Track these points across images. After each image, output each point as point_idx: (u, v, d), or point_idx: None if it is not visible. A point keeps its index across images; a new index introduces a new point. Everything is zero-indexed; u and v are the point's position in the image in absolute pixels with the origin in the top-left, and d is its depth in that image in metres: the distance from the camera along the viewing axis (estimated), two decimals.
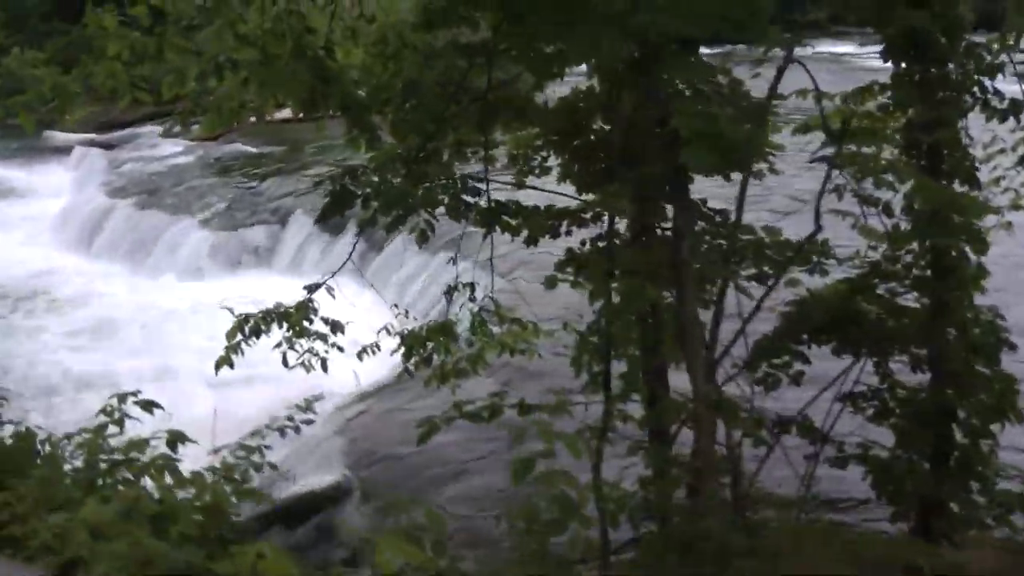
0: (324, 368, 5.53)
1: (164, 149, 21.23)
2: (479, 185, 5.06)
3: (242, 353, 5.33)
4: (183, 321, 12.57)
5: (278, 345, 5.32)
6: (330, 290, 5.42)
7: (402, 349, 5.44)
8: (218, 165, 19.17)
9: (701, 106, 3.40)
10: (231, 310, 5.61)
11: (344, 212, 5.12)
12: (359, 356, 5.83)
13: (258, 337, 5.22)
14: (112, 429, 4.66)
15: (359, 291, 13.62)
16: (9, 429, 5.05)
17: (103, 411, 4.77)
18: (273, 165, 18.56)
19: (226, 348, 5.26)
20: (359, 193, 5.03)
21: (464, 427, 7.16)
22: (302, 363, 5.55)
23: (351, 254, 5.66)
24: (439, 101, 4.96)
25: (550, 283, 5.75)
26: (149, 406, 4.80)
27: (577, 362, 4.36)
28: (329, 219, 5.21)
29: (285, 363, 5.40)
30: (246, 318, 5.18)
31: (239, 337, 5.18)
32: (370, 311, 12.58)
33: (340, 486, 7.31)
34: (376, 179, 4.98)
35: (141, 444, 4.42)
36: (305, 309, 5.31)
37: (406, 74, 5.46)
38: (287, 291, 14.33)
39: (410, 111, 5.34)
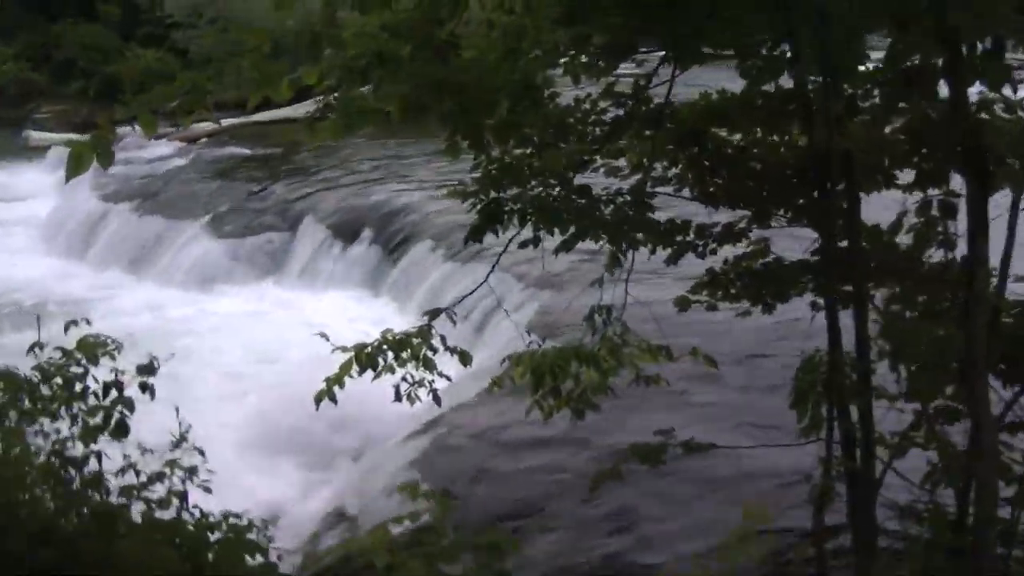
0: (437, 401, 4.91)
1: (153, 150, 20.42)
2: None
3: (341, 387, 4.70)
4: (200, 335, 11.91)
5: (397, 378, 4.67)
6: (452, 316, 4.76)
7: (524, 377, 4.85)
8: (215, 167, 18.40)
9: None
10: (325, 336, 5.00)
11: (496, 230, 4.54)
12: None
13: (374, 369, 4.58)
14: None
15: (370, 304, 13.18)
16: None
17: None
18: (274, 168, 17.86)
19: (329, 380, 4.62)
20: (515, 208, 4.45)
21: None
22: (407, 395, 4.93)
23: (486, 277, 4.96)
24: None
25: (682, 304, 5.24)
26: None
27: (802, 404, 3.79)
28: (479, 238, 4.58)
29: (398, 397, 4.77)
30: (363, 348, 4.51)
31: (353, 369, 4.54)
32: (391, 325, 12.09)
33: None
34: (533, 193, 4.43)
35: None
36: (426, 336, 4.66)
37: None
38: (303, 302, 13.77)
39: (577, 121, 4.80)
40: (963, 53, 3.19)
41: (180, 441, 4.59)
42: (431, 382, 4.80)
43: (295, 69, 3.71)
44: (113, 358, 4.54)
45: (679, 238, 4.93)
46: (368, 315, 12.60)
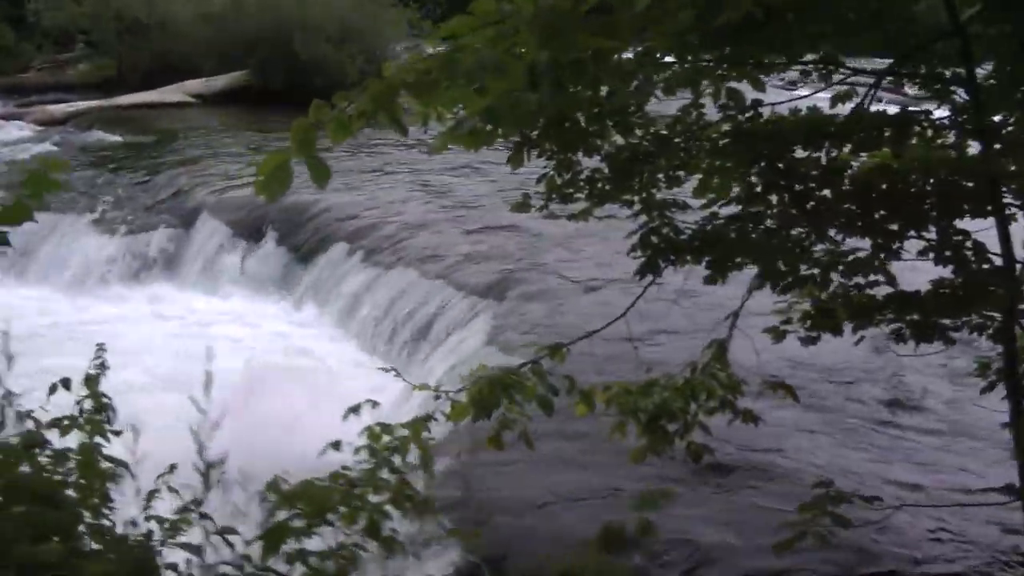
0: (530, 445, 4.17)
1: (8, 133, 18.74)
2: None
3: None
4: (88, 342, 10.65)
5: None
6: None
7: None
8: (88, 155, 16.90)
9: None
10: (396, 372, 4.23)
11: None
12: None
13: (489, 413, 3.80)
14: None
15: (283, 310, 12.18)
16: None
17: None
18: (153, 157, 16.54)
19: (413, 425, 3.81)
20: (694, 243, 3.77)
21: None
22: None
23: (634, 302, 4.24)
24: None
25: (776, 335, 4.70)
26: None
27: None
28: (653, 272, 3.87)
29: (498, 444, 4.01)
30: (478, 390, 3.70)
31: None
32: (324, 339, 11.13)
33: None
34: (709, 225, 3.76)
35: None
36: (543, 375, 3.90)
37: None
38: (203, 305, 12.64)
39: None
40: None
41: None
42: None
43: None
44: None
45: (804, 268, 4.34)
46: (280, 321, 11.68)
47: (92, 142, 18.24)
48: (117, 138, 18.53)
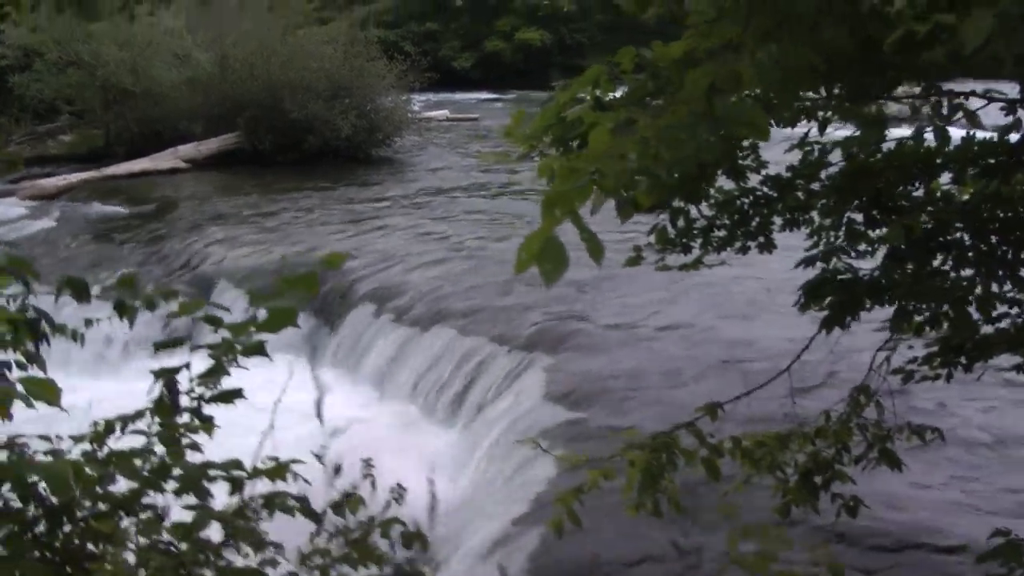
0: None
1: (6, 211, 18.48)
2: None
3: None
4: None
5: None
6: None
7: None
8: (89, 228, 16.66)
9: None
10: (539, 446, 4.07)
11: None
12: None
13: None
14: None
15: (310, 374, 11.95)
16: None
17: None
18: (155, 226, 16.33)
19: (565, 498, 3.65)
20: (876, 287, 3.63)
21: None
22: None
23: (800, 354, 4.12)
24: None
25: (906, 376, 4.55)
26: None
27: None
28: (837, 326, 3.73)
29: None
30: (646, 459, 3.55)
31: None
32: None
33: None
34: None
35: None
36: (704, 438, 3.75)
37: None
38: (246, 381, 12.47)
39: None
40: None
41: None
42: None
43: None
44: None
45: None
46: (309, 387, 11.44)
47: (91, 214, 17.96)
48: (117, 209, 18.28)
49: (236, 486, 2.40)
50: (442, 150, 25.11)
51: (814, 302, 3.92)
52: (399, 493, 2.53)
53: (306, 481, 2.50)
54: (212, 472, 2.38)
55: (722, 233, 4.54)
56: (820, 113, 4.27)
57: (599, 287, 11.00)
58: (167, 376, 2.41)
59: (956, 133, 3.89)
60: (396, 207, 17.23)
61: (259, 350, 2.28)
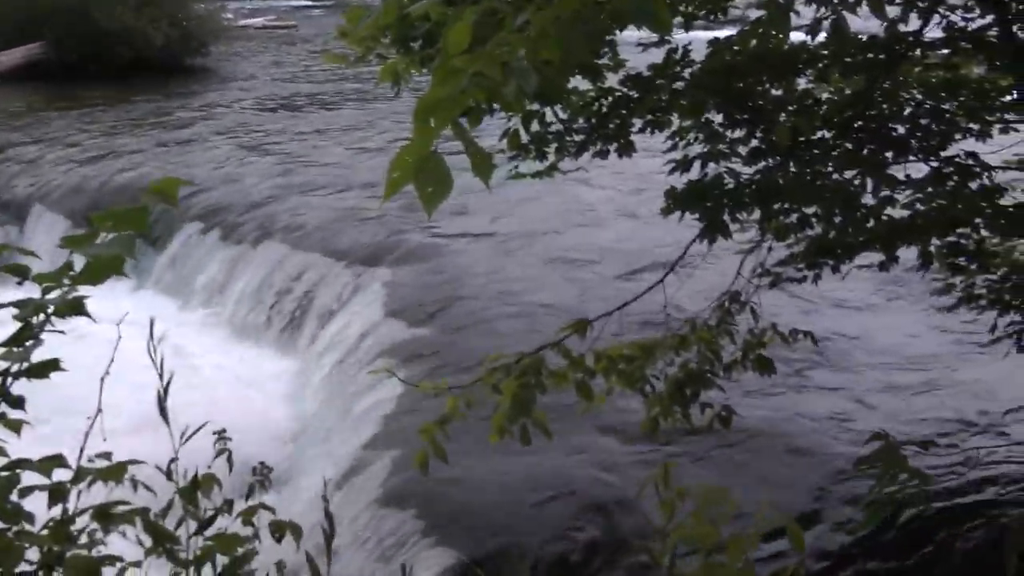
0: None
1: None
2: None
3: None
4: None
5: None
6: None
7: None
8: None
9: None
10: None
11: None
12: None
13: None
14: None
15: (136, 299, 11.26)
16: None
17: None
18: None
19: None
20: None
21: None
22: None
23: (675, 264, 3.85)
24: None
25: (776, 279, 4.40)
26: None
27: None
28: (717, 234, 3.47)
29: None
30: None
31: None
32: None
33: None
34: None
35: None
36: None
37: None
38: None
39: None
40: None
41: None
42: None
43: None
44: None
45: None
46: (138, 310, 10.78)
47: None
48: None
49: (56, 496, 1.94)
50: (259, 58, 24.04)
51: (689, 208, 3.68)
52: (264, 474, 2.16)
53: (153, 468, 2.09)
54: (24, 477, 1.90)
55: (579, 137, 4.25)
56: (686, 7, 4.03)
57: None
58: None
59: None
60: (215, 119, 16.39)
61: (78, 308, 1.85)
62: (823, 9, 3.33)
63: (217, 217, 11.29)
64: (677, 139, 4.12)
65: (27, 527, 1.86)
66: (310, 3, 41.49)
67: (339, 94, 18.05)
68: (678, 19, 3.93)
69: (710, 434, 3.98)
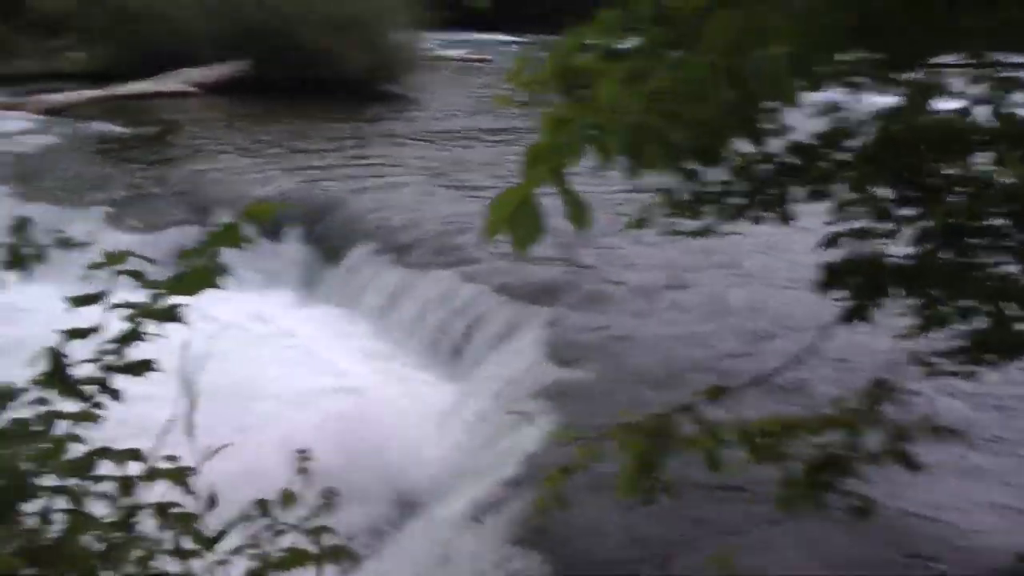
0: None
1: (10, 124, 18.13)
2: None
3: None
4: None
5: None
6: None
7: None
8: (92, 146, 16.34)
9: None
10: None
11: None
12: None
13: None
14: None
15: (306, 309, 11.67)
16: None
17: None
18: (158, 148, 15.99)
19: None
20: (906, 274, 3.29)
21: None
22: None
23: (817, 342, 3.81)
24: None
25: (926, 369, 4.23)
26: None
27: None
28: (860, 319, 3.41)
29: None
30: None
31: None
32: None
33: None
34: None
35: None
36: None
37: None
38: (222, 304, 12.21)
39: None
40: None
41: None
42: None
43: None
44: None
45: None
46: (307, 321, 11.17)
47: (94, 132, 17.65)
48: (120, 129, 17.96)
49: (126, 488, 2.06)
50: (450, 89, 24.65)
51: (836, 283, 3.59)
52: (329, 497, 2.22)
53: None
54: (101, 465, 2.03)
55: (737, 200, 4.19)
56: (855, 78, 3.94)
57: (602, 243, 10.64)
58: (77, 337, 2.09)
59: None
60: (403, 144, 16.89)
61: (170, 316, 1.96)
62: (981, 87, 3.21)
63: (392, 238, 11.60)
64: (841, 213, 4.02)
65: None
66: (512, 38, 42.33)
67: (521, 129, 18.34)
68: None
69: (847, 522, 3.83)
